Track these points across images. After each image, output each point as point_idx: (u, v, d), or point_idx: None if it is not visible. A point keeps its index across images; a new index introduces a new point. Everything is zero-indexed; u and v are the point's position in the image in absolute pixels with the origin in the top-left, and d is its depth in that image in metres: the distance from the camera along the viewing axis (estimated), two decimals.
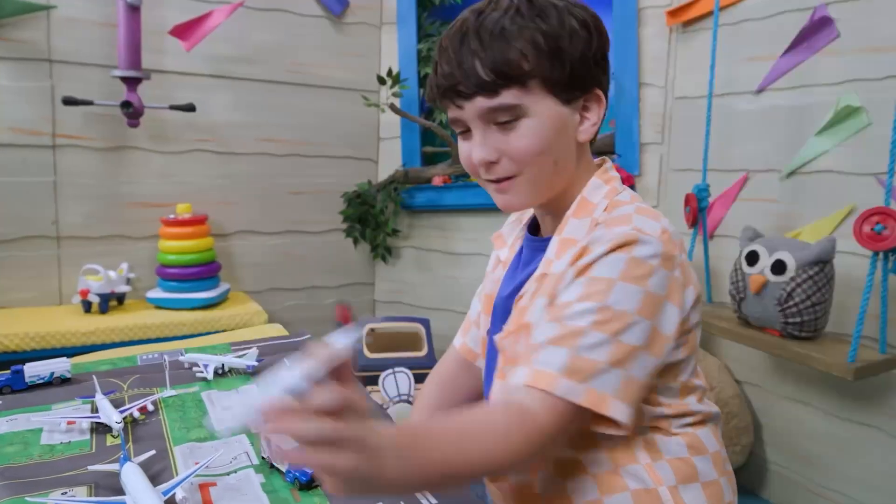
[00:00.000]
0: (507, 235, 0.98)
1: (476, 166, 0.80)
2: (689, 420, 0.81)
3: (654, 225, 0.75)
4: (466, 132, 0.81)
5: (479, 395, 1.02)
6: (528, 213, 0.96)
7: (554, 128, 0.78)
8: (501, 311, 0.88)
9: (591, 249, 0.74)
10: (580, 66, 0.77)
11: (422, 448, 0.62)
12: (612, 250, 0.72)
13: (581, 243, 0.76)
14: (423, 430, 0.67)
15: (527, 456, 0.68)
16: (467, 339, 1.05)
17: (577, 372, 0.69)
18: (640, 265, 0.72)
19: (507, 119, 0.76)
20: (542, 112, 0.77)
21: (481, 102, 0.76)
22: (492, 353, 0.93)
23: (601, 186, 0.83)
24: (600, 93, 0.81)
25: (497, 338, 0.83)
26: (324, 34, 2.46)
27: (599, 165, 0.87)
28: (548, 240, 0.84)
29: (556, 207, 0.85)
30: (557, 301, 0.75)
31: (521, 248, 0.93)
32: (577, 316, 0.71)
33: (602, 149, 2.25)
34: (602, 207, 0.80)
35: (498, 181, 0.80)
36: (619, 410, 0.70)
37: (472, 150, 0.79)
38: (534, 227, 0.93)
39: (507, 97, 0.75)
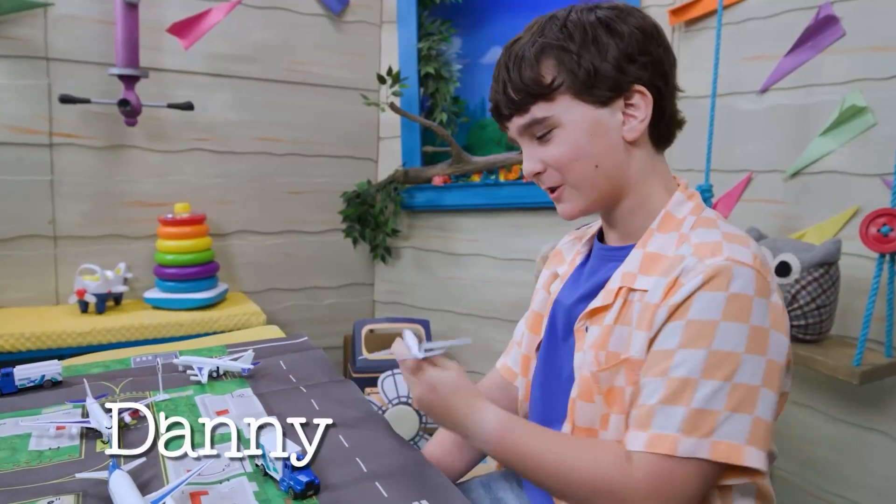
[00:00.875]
0: (567, 252, 0.99)
1: (531, 178, 0.87)
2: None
3: (746, 252, 0.73)
4: None
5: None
6: (591, 231, 0.97)
7: (588, 132, 0.80)
8: (563, 320, 0.89)
9: (682, 282, 0.72)
10: (609, 69, 0.78)
11: (512, 445, 0.76)
12: (707, 285, 0.70)
13: (672, 274, 0.74)
14: (521, 429, 0.78)
15: (590, 497, 0.73)
16: (509, 359, 1.06)
17: (699, 427, 0.68)
18: (740, 300, 0.70)
19: (543, 132, 0.82)
20: (573, 120, 0.80)
21: (517, 121, 0.83)
22: (544, 366, 0.93)
23: (685, 202, 0.83)
24: (641, 88, 0.80)
25: (591, 372, 0.80)
26: (323, 33, 2.44)
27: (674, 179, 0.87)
28: (623, 249, 0.84)
29: (619, 216, 0.86)
30: (657, 346, 0.73)
31: (585, 260, 0.93)
32: (681, 366, 0.69)
33: None
34: (689, 224, 0.79)
35: (552, 191, 0.86)
36: (753, 457, 0.68)
37: (523, 164, 0.86)
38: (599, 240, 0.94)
39: (536, 111, 0.81)
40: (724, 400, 0.68)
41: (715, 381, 0.68)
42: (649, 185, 0.84)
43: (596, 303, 0.82)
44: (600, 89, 0.79)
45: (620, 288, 0.80)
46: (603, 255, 0.89)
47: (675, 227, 0.80)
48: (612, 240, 0.89)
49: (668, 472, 0.68)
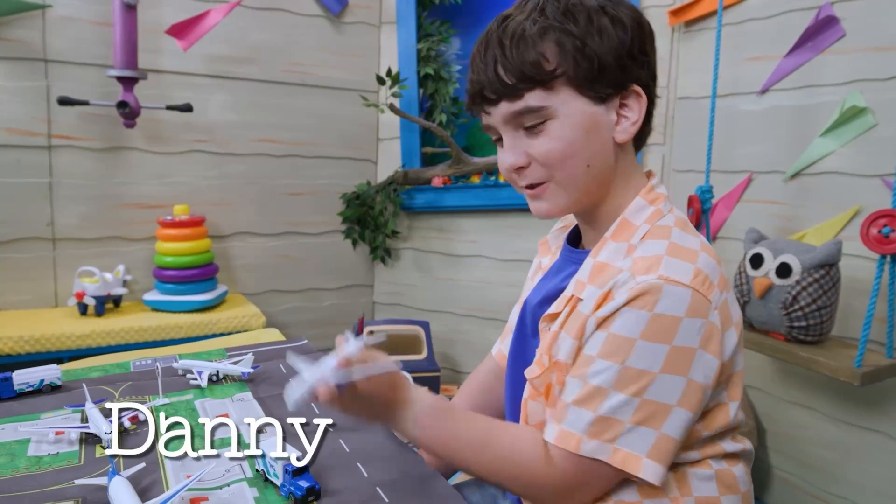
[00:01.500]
0: (552, 242, 0.96)
1: (509, 173, 0.80)
2: (723, 456, 0.79)
3: (686, 268, 0.70)
4: (500, 140, 0.80)
5: None
6: (574, 221, 0.93)
7: (584, 128, 0.75)
8: (530, 318, 0.87)
9: (613, 296, 0.71)
10: (612, 63, 0.74)
11: (441, 426, 0.78)
12: (632, 302, 0.69)
13: (606, 287, 0.72)
14: (450, 413, 0.80)
15: (514, 491, 0.79)
16: (503, 345, 1.04)
17: (603, 432, 0.70)
18: (663, 321, 0.68)
19: (534, 122, 0.75)
20: (570, 113, 0.74)
21: (506, 107, 0.75)
22: (514, 361, 0.92)
23: (645, 208, 0.78)
24: (639, 88, 0.76)
25: (528, 373, 0.81)
26: (322, 34, 2.44)
27: (648, 177, 0.83)
28: (583, 253, 0.82)
29: (593, 219, 0.82)
30: (583, 351, 0.74)
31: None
32: (598, 375, 0.71)
33: None
34: (641, 234, 0.76)
35: (532, 187, 0.79)
36: (650, 470, 0.69)
37: (502, 156, 0.79)
38: (575, 237, 0.91)
39: (531, 99, 0.74)
40: (630, 412, 0.69)
41: (624, 395, 0.69)
42: (627, 189, 0.80)
43: (552, 308, 0.80)
44: (602, 84, 0.74)
45: (572, 296, 0.77)
46: (567, 258, 0.87)
47: (628, 236, 0.76)
48: (589, 241, 0.85)
49: (581, 469, 0.72)
